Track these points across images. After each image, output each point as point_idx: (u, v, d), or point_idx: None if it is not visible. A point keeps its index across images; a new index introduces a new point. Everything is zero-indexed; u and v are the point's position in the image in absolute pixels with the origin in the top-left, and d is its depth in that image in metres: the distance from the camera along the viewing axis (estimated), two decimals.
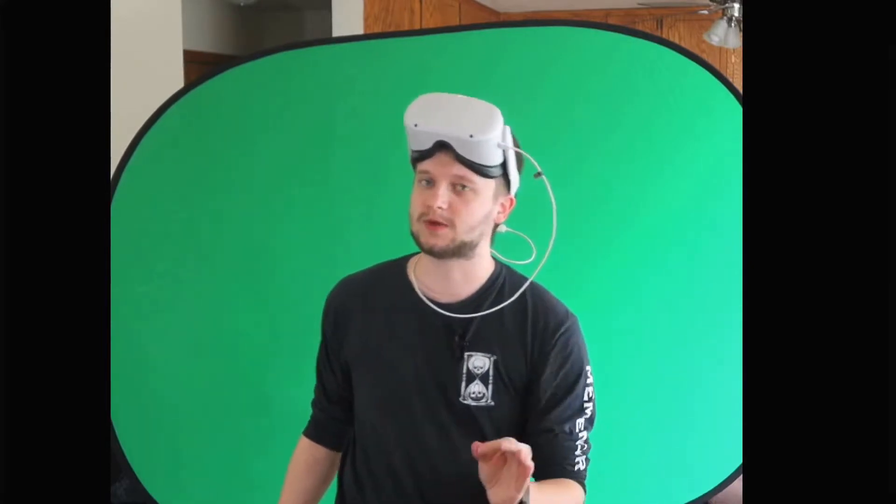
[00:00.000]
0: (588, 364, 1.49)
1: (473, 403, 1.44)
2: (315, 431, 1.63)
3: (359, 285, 1.55)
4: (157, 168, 2.17)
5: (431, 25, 5.33)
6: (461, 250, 1.41)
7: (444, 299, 1.46)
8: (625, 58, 2.10)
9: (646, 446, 2.04)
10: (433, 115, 1.38)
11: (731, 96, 2.06)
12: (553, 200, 1.46)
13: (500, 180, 1.42)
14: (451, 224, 1.39)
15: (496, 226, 1.47)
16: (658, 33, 6.02)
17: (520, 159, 1.45)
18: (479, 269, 1.48)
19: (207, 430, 2.14)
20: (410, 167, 1.44)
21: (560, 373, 1.45)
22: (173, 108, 2.17)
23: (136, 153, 2.16)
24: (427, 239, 1.39)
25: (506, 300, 1.45)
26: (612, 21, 6.11)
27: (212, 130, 2.19)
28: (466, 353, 1.44)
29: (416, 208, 1.41)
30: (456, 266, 1.45)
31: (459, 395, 1.44)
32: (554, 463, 1.44)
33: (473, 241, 1.42)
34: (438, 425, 1.45)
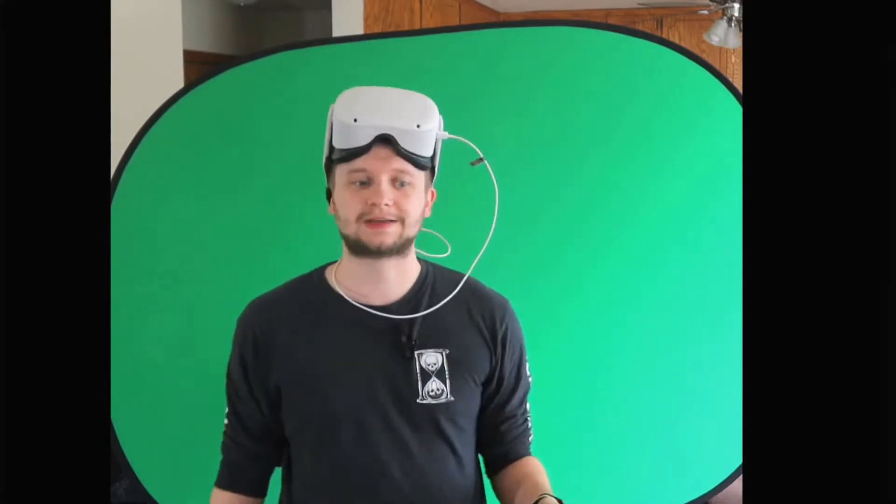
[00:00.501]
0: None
1: (433, 402, 1.40)
2: (232, 480, 1.50)
3: (278, 305, 1.47)
4: (158, 168, 2.17)
5: (431, 25, 5.33)
6: (405, 247, 1.39)
7: (378, 302, 1.42)
8: (625, 58, 2.09)
9: (645, 446, 2.04)
10: (374, 108, 1.35)
11: (731, 96, 2.06)
12: (496, 186, 1.47)
13: (428, 172, 1.41)
14: (399, 220, 1.36)
15: None
16: (658, 33, 6.02)
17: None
18: (412, 266, 1.45)
19: (207, 430, 2.14)
20: None
21: (511, 358, 1.47)
22: (173, 108, 2.17)
23: (136, 153, 2.16)
24: (372, 238, 1.35)
25: (441, 295, 1.43)
26: (612, 21, 6.11)
27: (212, 130, 2.19)
28: (417, 352, 1.40)
29: (352, 209, 1.36)
30: (392, 265, 1.41)
31: (419, 395, 1.39)
32: (514, 444, 1.48)
33: (413, 236, 1.41)
34: (404, 433, 1.40)
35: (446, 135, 1.41)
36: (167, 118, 2.17)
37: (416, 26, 5.20)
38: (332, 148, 1.39)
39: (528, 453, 1.51)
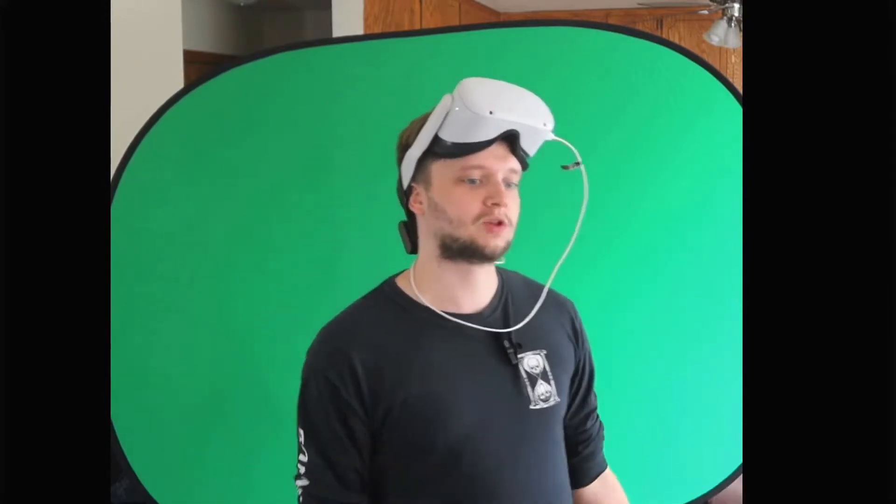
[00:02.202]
0: None
1: (544, 406, 1.32)
2: None
3: (366, 331, 1.31)
4: (158, 168, 2.17)
5: (431, 25, 5.33)
6: (506, 251, 1.30)
7: (469, 310, 1.32)
8: (625, 58, 2.10)
9: (646, 446, 2.04)
10: (509, 102, 1.25)
11: (731, 96, 2.06)
12: (586, 193, 1.39)
13: None
14: (509, 223, 1.27)
15: None
16: (658, 33, 6.02)
17: None
18: (493, 270, 1.38)
19: (207, 430, 2.14)
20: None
21: (586, 354, 1.45)
22: (174, 108, 2.17)
23: (136, 154, 2.16)
24: (488, 241, 1.25)
25: (517, 297, 1.37)
26: (612, 21, 6.11)
27: (212, 131, 2.19)
28: (519, 356, 1.32)
29: (468, 209, 1.25)
30: (482, 271, 1.32)
31: (531, 401, 1.31)
32: (599, 439, 1.49)
33: (512, 240, 1.31)
34: (516, 444, 1.30)
35: (553, 136, 1.33)
36: (167, 118, 2.17)
37: (416, 26, 5.20)
38: (436, 140, 1.26)
39: (604, 460, 1.51)
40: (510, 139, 1.26)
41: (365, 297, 1.37)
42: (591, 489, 1.47)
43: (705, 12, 5.25)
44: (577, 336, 1.42)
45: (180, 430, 2.14)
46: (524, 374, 1.31)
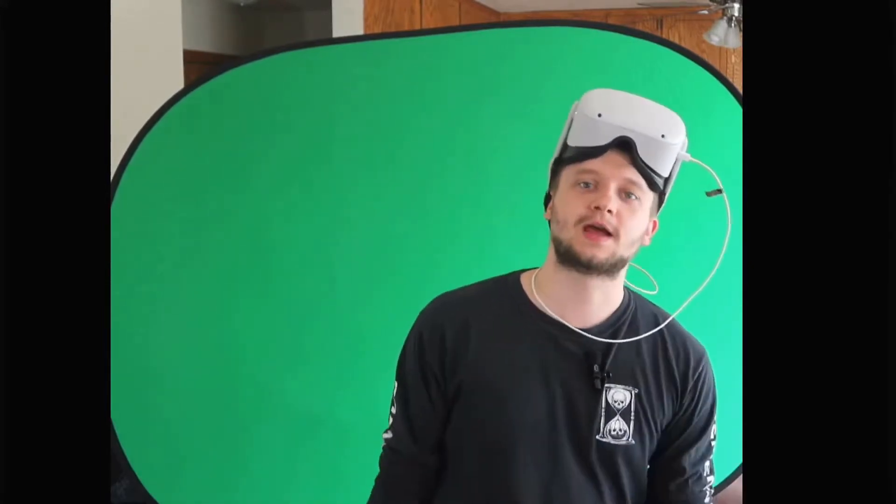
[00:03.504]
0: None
1: (613, 442, 1.29)
2: (394, 497, 1.36)
3: (471, 305, 1.35)
4: (158, 169, 2.18)
5: (431, 25, 5.33)
6: (616, 267, 1.27)
7: (576, 324, 1.30)
8: (625, 58, 2.10)
9: None
10: (621, 107, 1.25)
11: (731, 96, 2.06)
12: (729, 220, 1.34)
13: (657, 196, 1.30)
14: (616, 234, 1.24)
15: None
16: (658, 33, 6.02)
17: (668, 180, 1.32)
18: (617, 292, 1.33)
19: (207, 430, 2.14)
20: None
21: (697, 411, 1.35)
22: (174, 108, 2.17)
23: (136, 154, 2.16)
24: (585, 249, 1.23)
25: (640, 328, 1.32)
26: (612, 21, 6.11)
27: (212, 131, 2.19)
28: (606, 385, 1.28)
29: (573, 211, 1.24)
30: (598, 286, 1.29)
31: (599, 431, 1.28)
32: None
33: (627, 259, 1.28)
34: (570, 466, 1.29)
35: (689, 157, 1.31)
36: (167, 119, 2.17)
37: (417, 26, 5.20)
38: (565, 146, 1.29)
39: None
40: (625, 147, 1.24)
41: (488, 281, 1.40)
42: None
43: (705, 12, 5.25)
44: (685, 389, 1.34)
45: (180, 430, 2.14)
46: (603, 404, 1.28)
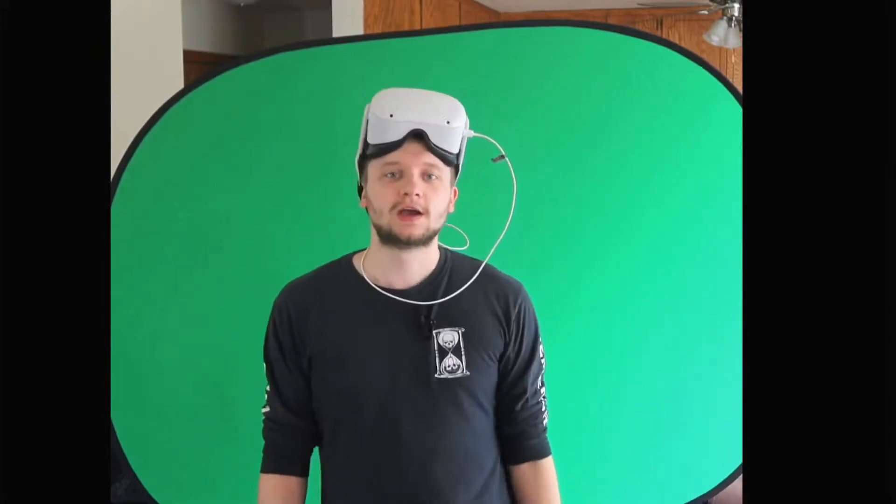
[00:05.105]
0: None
1: (450, 376, 1.49)
2: (277, 461, 1.59)
3: (310, 288, 1.58)
4: (158, 169, 2.17)
5: (431, 25, 5.32)
6: (430, 239, 1.49)
7: (400, 286, 1.52)
8: (625, 58, 2.09)
9: (646, 446, 2.04)
10: (408, 105, 1.45)
11: (731, 96, 2.06)
12: (514, 181, 1.58)
13: (452, 170, 1.51)
14: (426, 212, 1.45)
15: None
16: (658, 33, 6.02)
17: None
18: (432, 256, 1.55)
19: (207, 430, 2.14)
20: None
21: (525, 337, 1.56)
22: (174, 108, 2.17)
23: (136, 154, 2.16)
24: (402, 230, 1.45)
25: (458, 280, 1.53)
26: (612, 21, 6.11)
27: (212, 131, 2.19)
28: (434, 331, 1.50)
29: (385, 200, 1.46)
30: (415, 255, 1.51)
31: (436, 370, 1.49)
32: (527, 425, 1.57)
33: (438, 229, 1.50)
34: (418, 405, 1.49)
35: (472, 133, 1.52)
36: (168, 119, 2.17)
37: (416, 26, 5.19)
38: (366, 144, 1.49)
39: (543, 449, 1.59)
40: (419, 137, 1.44)
41: (326, 265, 1.62)
42: (519, 471, 1.58)
43: (705, 12, 5.25)
44: (509, 321, 1.55)
45: (180, 430, 2.14)
46: (435, 347, 1.49)
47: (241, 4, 5.49)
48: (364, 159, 1.51)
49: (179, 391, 2.14)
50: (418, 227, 1.46)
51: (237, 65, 2.19)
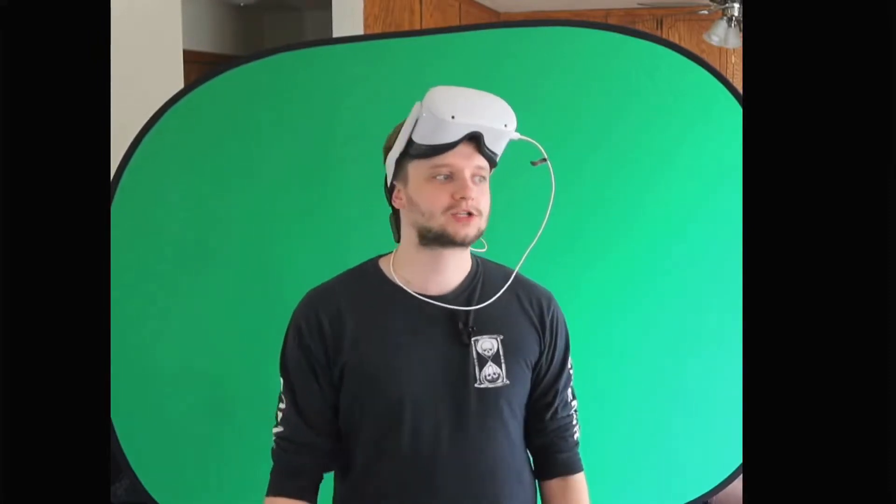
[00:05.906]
0: None
1: (491, 385, 1.44)
2: (293, 484, 1.47)
3: (340, 295, 1.49)
4: (158, 169, 2.17)
5: (431, 25, 5.32)
6: (477, 238, 1.45)
7: (435, 291, 1.47)
8: (625, 58, 2.10)
9: (646, 446, 2.04)
10: (469, 107, 1.40)
11: (731, 96, 2.06)
12: (553, 185, 1.54)
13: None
14: (478, 213, 1.42)
15: None
16: (658, 33, 6.02)
17: None
18: (467, 258, 1.51)
19: (207, 430, 2.14)
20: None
21: (557, 345, 1.53)
22: (174, 108, 2.17)
23: (136, 154, 2.16)
24: (458, 230, 1.40)
25: (491, 285, 1.49)
26: (612, 21, 6.11)
27: (212, 131, 2.19)
28: (473, 339, 1.45)
29: (438, 203, 1.40)
30: (452, 257, 1.46)
31: (476, 379, 1.44)
32: (556, 436, 1.52)
33: (484, 229, 1.45)
34: (457, 415, 1.43)
35: (518, 136, 1.47)
36: (168, 119, 2.17)
37: (416, 26, 5.20)
38: (410, 143, 1.42)
39: (574, 464, 1.54)
40: (474, 140, 1.41)
41: (348, 271, 1.55)
42: (549, 486, 1.54)
43: (705, 12, 5.25)
44: (544, 328, 1.51)
45: (181, 430, 2.14)
46: (474, 355, 1.44)
47: (241, 4, 5.49)
48: (405, 157, 1.44)
49: (179, 391, 2.14)
50: (473, 227, 1.41)
51: (237, 65, 2.19)
